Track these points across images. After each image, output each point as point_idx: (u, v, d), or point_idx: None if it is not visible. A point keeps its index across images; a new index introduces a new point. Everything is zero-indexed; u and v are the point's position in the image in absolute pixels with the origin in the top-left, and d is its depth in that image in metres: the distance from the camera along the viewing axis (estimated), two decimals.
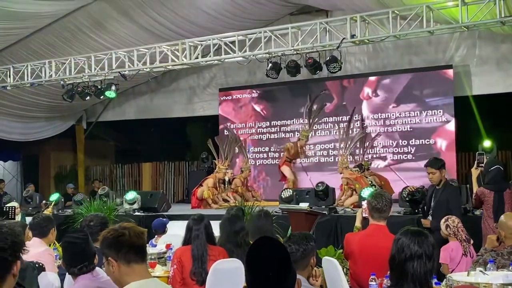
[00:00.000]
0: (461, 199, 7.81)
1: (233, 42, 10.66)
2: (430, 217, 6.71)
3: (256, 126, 14.72)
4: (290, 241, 3.61)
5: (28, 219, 7.75)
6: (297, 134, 14.13)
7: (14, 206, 9.76)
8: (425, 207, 7.03)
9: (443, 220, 5.80)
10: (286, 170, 13.09)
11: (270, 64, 10.48)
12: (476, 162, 7.37)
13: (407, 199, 8.73)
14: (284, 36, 10.31)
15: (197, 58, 11.02)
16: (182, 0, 12.16)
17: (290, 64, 10.37)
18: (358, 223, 5.18)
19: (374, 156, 13.13)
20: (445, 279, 4.31)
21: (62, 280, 4.47)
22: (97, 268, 3.71)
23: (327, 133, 13.82)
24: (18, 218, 9.77)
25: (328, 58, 10.12)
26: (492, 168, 7.23)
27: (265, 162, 14.54)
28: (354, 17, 9.51)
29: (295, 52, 10.23)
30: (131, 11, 12.33)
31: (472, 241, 5.67)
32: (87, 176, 17.90)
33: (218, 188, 12.55)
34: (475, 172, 7.35)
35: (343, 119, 13.37)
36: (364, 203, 4.95)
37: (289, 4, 13.36)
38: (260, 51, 10.46)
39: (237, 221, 5.51)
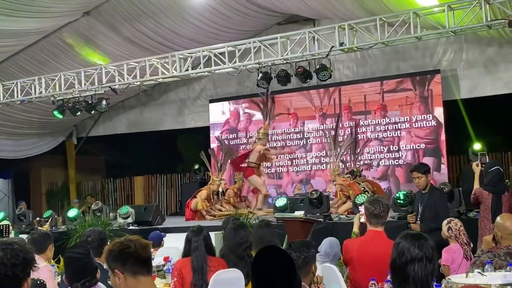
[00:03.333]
0: (447, 202, 7.84)
1: (222, 53, 10.70)
2: (418, 221, 6.76)
3: (248, 136, 14.77)
4: (291, 249, 3.65)
5: (22, 237, 7.72)
6: (289, 143, 14.23)
7: (8, 224, 9.72)
8: (413, 212, 7.07)
9: (445, 222, 5.86)
10: (257, 181, 12.40)
11: (260, 74, 10.52)
12: (479, 162, 7.40)
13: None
14: (273, 46, 10.37)
15: (187, 70, 11.07)
16: (169, 13, 12.22)
17: (280, 73, 10.40)
18: (356, 229, 5.21)
19: (366, 162, 13.20)
20: (444, 281, 4.34)
21: None
22: (99, 283, 3.72)
23: (318, 141, 13.90)
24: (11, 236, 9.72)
25: (317, 66, 10.18)
26: (492, 169, 7.24)
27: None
28: (342, 25, 9.61)
29: (284, 62, 10.29)
30: (119, 25, 12.38)
31: (472, 245, 5.72)
32: (79, 191, 17.83)
33: (212, 200, 12.54)
34: (477, 170, 7.35)
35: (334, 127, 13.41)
36: (362, 209, 4.98)
37: (276, 14, 13.46)
38: (250, 62, 10.51)
39: (241, 231, 5.51)
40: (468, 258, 5.53)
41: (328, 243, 5.78)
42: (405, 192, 9.25)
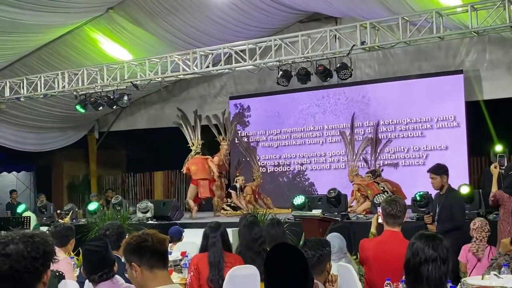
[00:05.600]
0: (464, 203, 7.77)
1: (243, 51, 10.73)
2: (436, 223, 6.72)
3: (267, 134, 14.80)
4: (306, 246, 3.65)
5: (43, 230, 7.83)
6: (307, 142, 14.23)
7: (29, 216, 9.86)
8: (430, 213, 7.03)
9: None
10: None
11: (280, 72, 10.52)
12: (498, 164, 7.34)
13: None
14: (294, 44, 10.36)
15: (208, 67, 11.11)
16: (192, 10, 12.27)
17: (300, 71, 10.39)
18: (373, 229, 5.19)
19: (386, 162, 13.14)
20: (459, 283, 4.33)
21: None
22: (116, 275, 3.77)
23: (337, 140, 13.86)
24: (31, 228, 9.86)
25: (338, 65, 10.14)
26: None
27: (276, 169, 14.61)
28: (364, 24, 9.56)
29: (305, 60, 10.28)
30: (142, 21, 12.46)
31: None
32: (100, 185, 18.01)
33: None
34: (495, 172, 7.30)
35: (357, 126, 13.39)
36: (380, 209, 4.96)
37: (298, 12, 13.43)
38: (270, 59, 10.52)
39: (255, 227, 5.54)
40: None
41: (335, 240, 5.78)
42: (422, 193, 9.21)
